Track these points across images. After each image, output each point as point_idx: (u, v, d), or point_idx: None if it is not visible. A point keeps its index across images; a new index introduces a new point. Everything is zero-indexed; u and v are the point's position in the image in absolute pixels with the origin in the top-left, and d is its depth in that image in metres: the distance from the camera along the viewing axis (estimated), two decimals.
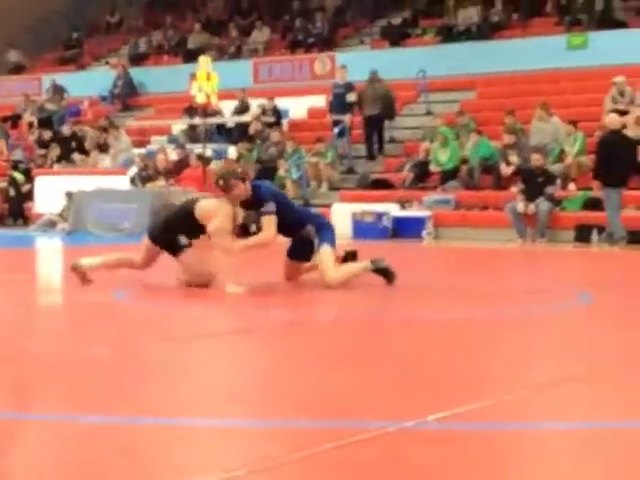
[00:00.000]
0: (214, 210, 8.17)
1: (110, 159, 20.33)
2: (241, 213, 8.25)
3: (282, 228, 8.36)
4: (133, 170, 18.80)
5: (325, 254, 8.39)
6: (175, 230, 8.28)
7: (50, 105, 24.52)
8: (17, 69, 29.30)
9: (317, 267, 8.57)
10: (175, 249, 8.29)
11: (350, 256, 8.88)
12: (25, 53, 29.46)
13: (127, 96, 25.33)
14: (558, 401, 4.19)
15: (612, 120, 14.63)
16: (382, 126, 19.37)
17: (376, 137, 19.33)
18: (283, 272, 8.76)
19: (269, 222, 8.16)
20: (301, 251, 8.62)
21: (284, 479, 3.02)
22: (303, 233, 8.45)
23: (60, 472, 3.12)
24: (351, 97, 19.31)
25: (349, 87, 19.46)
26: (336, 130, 19.22)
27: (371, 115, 19.10)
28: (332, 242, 8.49)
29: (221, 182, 8.16)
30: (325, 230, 8.56)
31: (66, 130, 22.08)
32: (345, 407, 3.98)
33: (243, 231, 8.26)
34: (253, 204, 8.23)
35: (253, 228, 8.21)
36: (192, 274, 8.37)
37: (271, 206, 8.17)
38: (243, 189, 8.18)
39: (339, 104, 19.43)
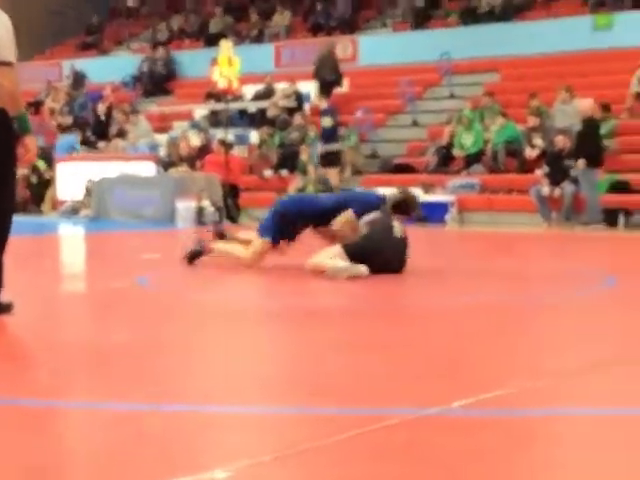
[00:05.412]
0: None
1: (128, 145, 20.31)
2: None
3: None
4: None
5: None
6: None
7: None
8: None
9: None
10: None
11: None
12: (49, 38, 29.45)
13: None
14: (586, 387, 4.14)
15: None
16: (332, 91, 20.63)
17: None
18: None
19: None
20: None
21: (310, 465, 3.01)
22: None
23: (84, 459, 3.12)
24: (327, 122, 18.39)
25: (331, 112, 18.68)
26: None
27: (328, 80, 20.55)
28: None
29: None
30: None
31: (101, 109, 22.00)
32: (370, 394, 3.95)
33: None
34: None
35: None
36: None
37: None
38: None
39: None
